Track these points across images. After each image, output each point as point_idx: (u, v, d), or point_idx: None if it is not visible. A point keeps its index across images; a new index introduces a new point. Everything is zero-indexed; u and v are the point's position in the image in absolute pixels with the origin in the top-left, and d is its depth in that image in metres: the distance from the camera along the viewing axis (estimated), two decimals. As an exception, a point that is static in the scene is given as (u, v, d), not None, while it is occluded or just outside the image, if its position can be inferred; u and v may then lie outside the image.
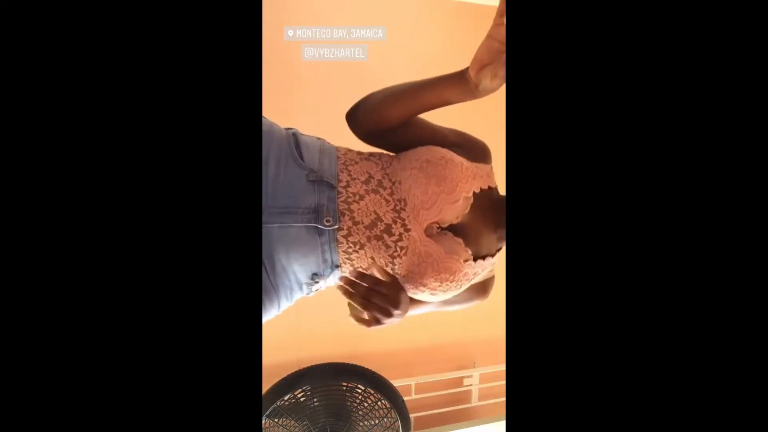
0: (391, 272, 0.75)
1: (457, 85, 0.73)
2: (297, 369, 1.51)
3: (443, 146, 0.81)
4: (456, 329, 2.11)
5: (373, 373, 1.54)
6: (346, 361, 1.55)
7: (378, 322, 0.71)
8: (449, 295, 0.80)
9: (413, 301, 0.81)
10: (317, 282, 0.78)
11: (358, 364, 1.53)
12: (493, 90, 0.72)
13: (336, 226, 0.72)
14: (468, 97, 0.74)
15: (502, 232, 0.83)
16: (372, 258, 0.75)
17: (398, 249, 0.74)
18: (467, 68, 0.71)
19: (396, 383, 1.63)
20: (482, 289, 0.89)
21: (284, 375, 1.49)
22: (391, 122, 0.80)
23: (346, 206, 0.73)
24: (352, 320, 0.74)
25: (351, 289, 0.70)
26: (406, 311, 0.73)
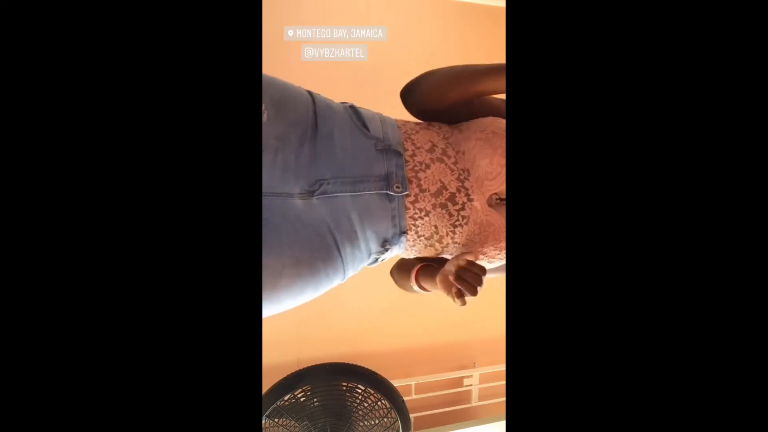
0: (451, 241, 0.78)
1: None
2: (297, 369, 1.51)
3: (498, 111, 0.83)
4: (456, 329, 2.11)
5: (373, 373, 1.53)
6: (346, 361, 1.55)
7: (464, 297, 0.73)
8: (496, 264, 0.83)
9: None
10: (387, 250, 0.80)
11: (358, 364, 1.53)
12: None
13: (406, 192, 0.74)
14: None
15: None
16: (435, 226, 0.77)
17: (460, 218, 0.76)
18: None
19: (396, 383, 1.63)
20: None
21: (284, 375, 1.49)
22: (450, 103, 0.80)
23: (414, 174, 0.75)
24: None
25: (458, 276, 0.72)
26: None
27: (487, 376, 2.12)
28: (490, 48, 1.97)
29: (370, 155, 0.74)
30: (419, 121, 0.85)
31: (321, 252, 0.73)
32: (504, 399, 2.05)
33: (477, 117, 0.83)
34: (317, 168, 0.71)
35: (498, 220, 0.77)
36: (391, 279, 1.05)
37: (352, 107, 0.81)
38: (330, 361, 1.55)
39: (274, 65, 1.65)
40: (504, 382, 2.06)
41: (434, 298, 2.03)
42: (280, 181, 0.70)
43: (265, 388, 1.48)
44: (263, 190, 0.69)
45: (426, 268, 0.91)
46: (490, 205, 0.77)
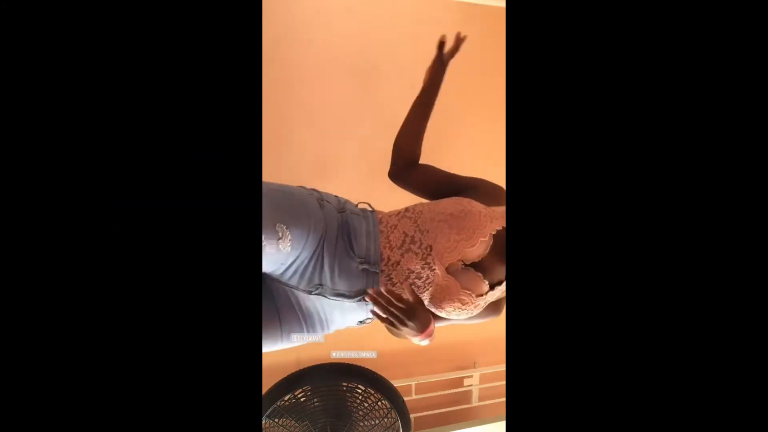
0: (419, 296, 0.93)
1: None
2: (297, 369, 1.51)
3: (463, 190, 1.00)
4: (456, 329, 2.11)
5: (373, 373, 1.53)
6: (346, 361, 1.55)
7: (395, 326, 0.88)
8: (463, 317, 1.00)
9: (439, 318, 1.01)
10: (365, 323, 1.03)
11: (358, 364, 1.53)
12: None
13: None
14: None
15: None
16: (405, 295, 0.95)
17: (425, 285, 0.94)
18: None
19: (396, 383, 1.63)
20: (495, 308, 1.06)
21: (284, 375, 1.49)
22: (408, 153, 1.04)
23: (387, 277, 0.93)
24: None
25: (378, 301, 0.86)
26: (423, 328, 0.89)
27: (487, 376, 2.12)
28: (490, 48, 1.97)
29: (352, 274, 0.93)
30: (398, 209, 1.02)
31: (298, 321, 1.00)
32: (504, 399, 2.05)
33: (440, 190, 1.02)
34: (315, 278, 0.94)
35: (454, 285, 0.93)
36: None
37: (347, 221, 0.96)
38: (330, 361, 1.55)
39: (276, 64, 1.66)
40: (504, 383, 2.06)
41: (434, 298, 2.02)
42: (293, 281, 0.94)
43: (265, 388, 1.48)
44: (281, 279, 0.95)
45: None
46: (449, 272, 0.93)
